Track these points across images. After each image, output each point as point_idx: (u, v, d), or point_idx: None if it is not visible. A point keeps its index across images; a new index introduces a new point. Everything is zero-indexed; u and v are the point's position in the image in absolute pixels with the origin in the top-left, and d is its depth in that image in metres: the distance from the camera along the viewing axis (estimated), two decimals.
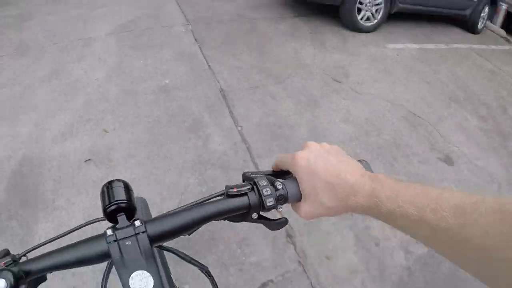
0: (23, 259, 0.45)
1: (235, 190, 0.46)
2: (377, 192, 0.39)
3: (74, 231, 0.54)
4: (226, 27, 4.03)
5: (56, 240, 0.52)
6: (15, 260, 0.43)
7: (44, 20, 3.82)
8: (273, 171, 0.52)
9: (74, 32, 3.62)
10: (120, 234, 0.43)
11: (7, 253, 0.45)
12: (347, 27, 4.37)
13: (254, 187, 0.47)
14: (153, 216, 0.49)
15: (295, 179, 0.47)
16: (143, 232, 0.44)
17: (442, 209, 0.33)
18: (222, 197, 0.48)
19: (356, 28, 4.32)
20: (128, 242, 0.43)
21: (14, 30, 3.58)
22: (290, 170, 0.48)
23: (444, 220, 0.32)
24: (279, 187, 0.46)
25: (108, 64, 3.12)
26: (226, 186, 0.48)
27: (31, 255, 0.45)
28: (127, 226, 0.44)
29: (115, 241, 0.43)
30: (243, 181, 0.51)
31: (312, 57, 3.68)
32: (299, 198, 0.47)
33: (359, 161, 0.47)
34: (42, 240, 0.54)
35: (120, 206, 0.45)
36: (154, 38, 3.62)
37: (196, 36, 3.73)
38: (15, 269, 0.41)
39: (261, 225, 0.50)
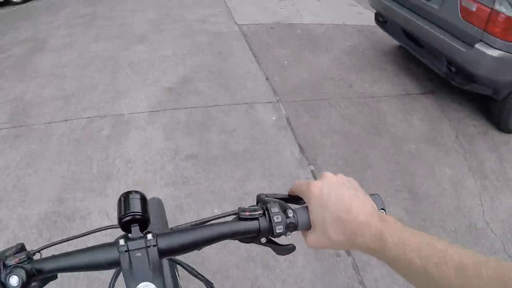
0: (37, 255, 0.47)
1: (247, 213, 0.47)
2: (384, 235, 0.39)
3: (88, 234, 0.57)
4: (337, 114, 2.55)
5: (73, 241, 0.55)
6: (29, 257, 0.44)
7: None
8: (289, 195, 0.52)
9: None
10: (131, 245, 0.44)
11: (22, 247, 0.46)
12: (500, 127, 2.94)
13: (266, 212, 0.47)
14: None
15: (306, 208, 0.47)
16: (153, 246, 0.45)
17: (446, 265, 0.33)
18: (234, 217, 0.49)
19: None
20: (138, 254, 0.44)
21: None
22: (303, 198, 0.48)
23: (446, 277, 0.33)
24: (290, 215, 0.46)
25: None
26: (239, 208, 0.48)
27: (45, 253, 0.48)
28: (139, 238, 0.45)
29: (126, 251, 0.44)
30: (257, 202, 0.52)
31: (478, 202, 2.28)
32: (308, 227, 0.46)
33: (372, 195, 0.48)
34: None
35: (134, 217, 0.46)
36: (228, 141, 2.18)
37: (299, 137, 2.27)
38: (28, 266, 0.42)
39: None
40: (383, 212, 0.45)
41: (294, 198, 0.51)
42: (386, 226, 0.39)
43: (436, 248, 0.35)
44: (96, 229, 0.57)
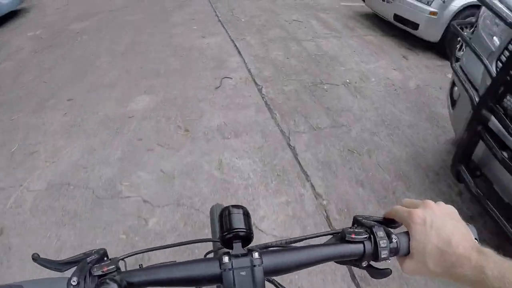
0: (120, 262, 0.45)
1: (353, 236, 0.46)
2: (484, 269, 0.39)
3: (180, 245, 0.56)
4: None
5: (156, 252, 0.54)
6: (118, 268, 0.42)
7: None
8: (384, 218, 0.51)
9: None
10: (236, 263, 0.43)
11: (104, 253, 0.45)
12: None
13: (371, 236, 0.46)
14: None
15: (407, 234, 0.47)
16: (259, 265, 0.43)
17: None
18: (331, 237, 0.49)
19: None
20: (243, 273, 0.43)
21: None
22: (404, 225, 0.48)
23: None
24: (394, 240, 0.46)
25: None
26: (344, 229, 0.48)
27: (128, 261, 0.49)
28: (243, 255, 0.44)
29: (230, 269, 0.43)
30: (353, 224, 0.51)
31: None
32: (407, 253, 0.47)
33: (468, 224, 0.47)
34: None
35: (238, 233, 0.46)
36: None
37: None
38: (118, 277, 0.40)
39: None
40: (476, 241, 0.46)
41: (389, 221, 0.51)
42: (486, 259, 0.40)
43: None
44: (192, 240, 0.55)
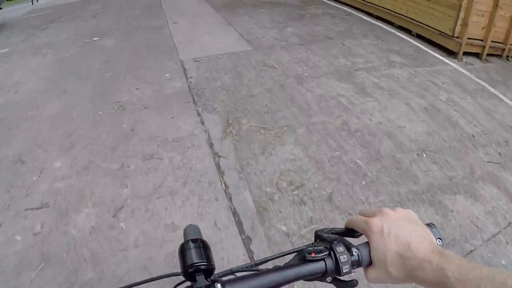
0: None
1: (313, 255, 0.47)
2: (445, 271, 0.40)
3: (149, 282, 0.56)
4: None
5: None
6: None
7: None
8: (345, 228, 0.52)
9: None
10: None
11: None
12: None
13: (331, 252, 0.47)
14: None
15: (367, 244, 0.47)
16: None
17: None
18: (300, 255, 0.49)
19: None
20: None
21: None
22: (364, 235, 0.48)
23: None
24: (355, 253, 0.46)
25: None
26: (304, 249, 0.48)
27: None
28: (206, 287, 0.45)
29: None
30: (315, 239, 0.52)
31: None
32: (369, 263, 0.47)
33: (427, 225, 0.48)
34: None
35: (199, 267, 0.47)
36: None
37: None
38: None
39: None
40: (440, 241, 0.47)
41: (350, 231, 0.51)
42: (447, 261, 0.40)
43: (496, 281, 0.36)
44: (159, 276, 0.57)
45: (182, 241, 0.54)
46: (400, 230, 0.45)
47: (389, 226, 0.46)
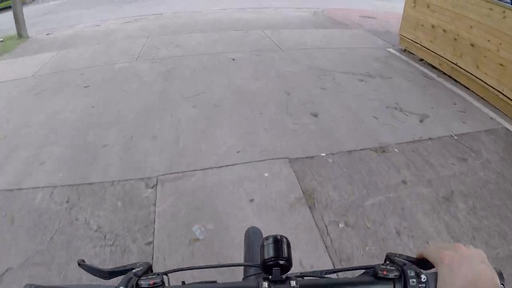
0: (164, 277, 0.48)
1: (385, 273, 0.48)
2: None
3: (223, 267, 0.60)
4: None
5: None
6: (163, 283, 0.47)
7: None
8: (417, 257, 0.52)
9: None
10: None
11: (149, 267, 0.50)
12: None
13: (402, 275, 0.48)
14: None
15: (436, 275, 0.47)
16: None
17: None
18: (369, 272, 0.51)
19: None
20: None
21: None
22: (434, 264, 0.49)
23: None
24: (423, 280, 0.47)
25: None
26: (376, 266, 0.49)
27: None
28: (280, 282, 0.48)
29: None
30: (385, 261, 0.52)
31: None
32: None
33: (495, 268, 0.48)
34: None
35: (278, 262, 0.48)
36: None
37: None
38: None
39: None
40: (502, 286, 0.46)
41: (421, 261, 0.51)
42: None
43: None
44: (237, 263, 0.60)
45: None
46: (470, 267, 0.46)
47: (460, 261, 0.46)
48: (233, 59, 4.82)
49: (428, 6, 4.69)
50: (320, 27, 6.79)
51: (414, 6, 5.03)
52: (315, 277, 0.55)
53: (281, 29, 6.48)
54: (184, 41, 5.81)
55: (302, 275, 0.55)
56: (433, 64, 4.66)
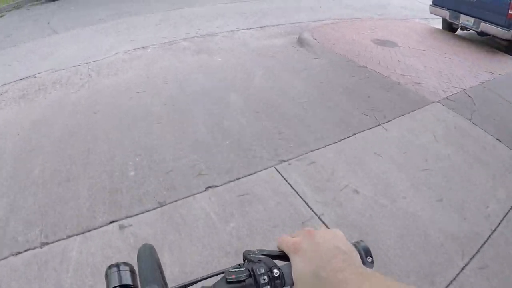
0: None
1: (233, 277, 0.46)
2: None
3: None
4: None
5: None
6: None
7: None
8: (279, 250, 0.51)
9: None
10: None
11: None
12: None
13: (252, 273, 0.46)
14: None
15: (290, 265, 0.47)
16: None
17: None
18: (220, 277, 0.48)
19: None
20: None
21: None
22: (288, 255, 0.48)
23: None
24: (276, 274, 0.46)
25: None
26: (226, 271, 0.48)
27: None
28: None
29: None
30: (244, 260, 0.51)
31: None
32: (292, 284, 0.46)
33: (357, 242, 0.48)
34: None
35: None
36: None
37: None
38: None
39: None
40: (369, 259, 0.45)
41: (282, 253, 0.49)
42: (363, 279, 0.39)
43: None
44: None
45: None
46: (321, 251, 0.44)
47: (310, 248, 0.45)
48: None
49: None
50: (330, 101, 3.37)
51: None
52: None
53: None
54: None
55: None
56: None
